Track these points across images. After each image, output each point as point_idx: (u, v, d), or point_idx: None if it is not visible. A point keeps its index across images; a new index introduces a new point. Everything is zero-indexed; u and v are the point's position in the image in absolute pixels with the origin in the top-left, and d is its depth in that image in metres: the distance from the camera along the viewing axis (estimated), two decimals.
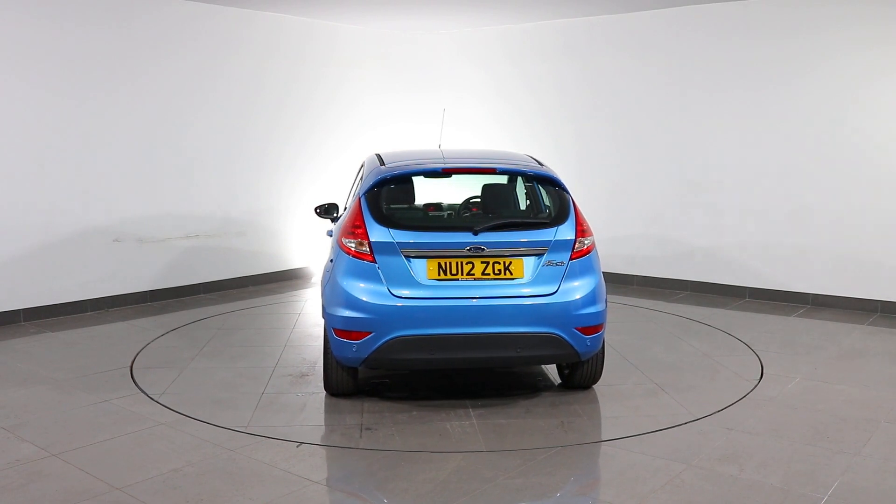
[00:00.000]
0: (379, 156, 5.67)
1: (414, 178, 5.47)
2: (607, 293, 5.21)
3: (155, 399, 5.26)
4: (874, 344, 6.76)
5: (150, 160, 8.16)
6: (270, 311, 7.98)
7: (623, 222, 9.34)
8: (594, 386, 5.47)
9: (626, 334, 6.97)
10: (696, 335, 6.97)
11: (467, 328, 4.77)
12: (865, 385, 5.59)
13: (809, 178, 8.05)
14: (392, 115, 10.53)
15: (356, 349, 4.78)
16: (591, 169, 9.52)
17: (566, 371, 5.44)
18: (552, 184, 5.32)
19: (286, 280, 9.46)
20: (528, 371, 5.88)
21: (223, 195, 8.85)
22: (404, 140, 10.43)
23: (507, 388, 5.57)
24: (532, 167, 5.44)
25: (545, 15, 9.24)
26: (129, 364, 6.05)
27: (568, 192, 5.27)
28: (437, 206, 6.35)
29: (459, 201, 6.43)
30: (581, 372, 5.32)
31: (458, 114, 10.37)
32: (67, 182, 7.55)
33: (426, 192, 7.57)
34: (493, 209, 5.50)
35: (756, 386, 5.56)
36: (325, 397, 5.31)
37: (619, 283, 9.30)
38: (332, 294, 4.92)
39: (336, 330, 4.85)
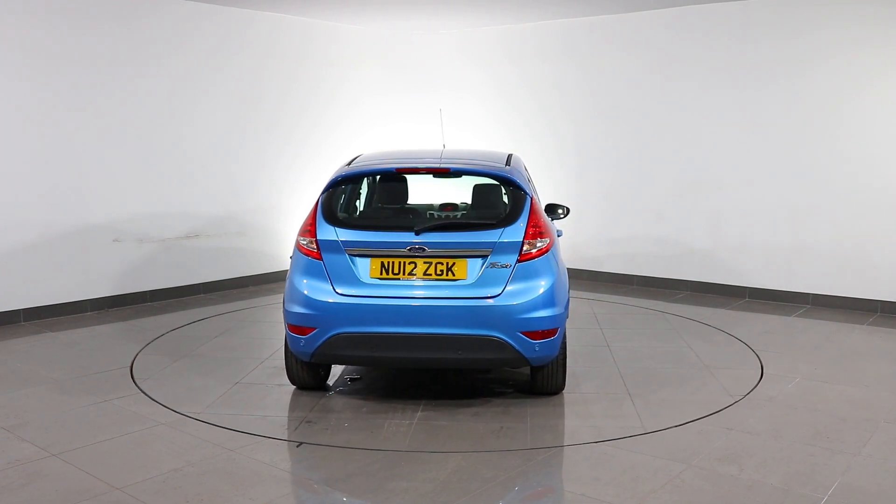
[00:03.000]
0: (357, 156, 5.75)
1: (408, 178, 5.56)
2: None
3: (145, 392, 5.27)
4: (874, 344, 6.76)
5: (151, 160, 8.17)
6: (272, 310, 7.98)
7: (623, 222, 9.34)
8: (564, 391, 5.35)
9: (622, 334, 6.97)
10: (695, 335, 6.97)
11: (407, 328, 4.79)
12: (865, 385, 5.59)
13: (809, 177, 8.05)
14: (392, 115, 10.53)
15: (303, 344, 4.92)
16: (591, 169, 9.52)
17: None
18: (509, 184, 5.25)
19: (286, 280, 9.44)
20: (512, 374, 5.81)
21: (223, 195, 8.85)
22: (404, 140, 10.44)
23: (477, 390, 5.50)
24: (490, 167, 5.32)
25: (545, 15, 9.23)
26: (129, 364, 6.05)
27: (527, 193, 5.11)
28: (454, 206, 6.36)
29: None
30: (541, 377, 5.19)
31: (458, 114, 10.37)
32: (67, 182, 7.55)
33: (441, 193, 7.62)
34: (481, 209, 5.53)
35: (756, 386, 5.56)
36: (294, 390, 5.42)
37: (619, 283, 9.31)
38: (288, 290, 5.10)
39: (289, 325, 5.01)
